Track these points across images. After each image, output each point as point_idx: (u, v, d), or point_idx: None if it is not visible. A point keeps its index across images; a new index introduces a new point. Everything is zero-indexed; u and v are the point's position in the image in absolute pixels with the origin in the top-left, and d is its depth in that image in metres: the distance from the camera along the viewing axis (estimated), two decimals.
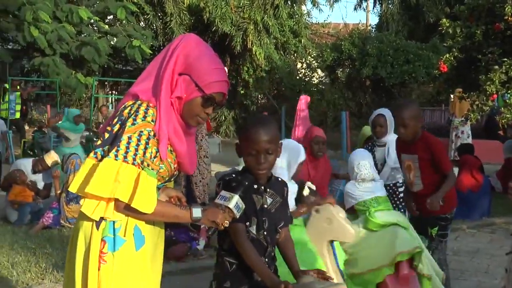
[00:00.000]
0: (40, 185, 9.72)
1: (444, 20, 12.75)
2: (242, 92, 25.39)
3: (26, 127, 19.57)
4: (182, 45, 3.02)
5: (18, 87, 17.14)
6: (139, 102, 2.94)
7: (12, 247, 7.62)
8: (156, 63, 3.06)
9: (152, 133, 2.88)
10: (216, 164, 10.19)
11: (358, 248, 5.44)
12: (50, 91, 22.82)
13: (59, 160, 9.81)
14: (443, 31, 12.70)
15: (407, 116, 5.23)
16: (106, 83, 23.78)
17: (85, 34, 18.36)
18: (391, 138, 6.34)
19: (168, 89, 2.96)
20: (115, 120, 2.93)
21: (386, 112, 6.63)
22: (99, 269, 2.86)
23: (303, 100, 15.61)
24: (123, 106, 2.97)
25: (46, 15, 16.40)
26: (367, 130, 7.82)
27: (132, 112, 2.90)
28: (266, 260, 3.22)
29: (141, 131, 2.85)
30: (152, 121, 2.90)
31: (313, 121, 25.16)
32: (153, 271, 3.07)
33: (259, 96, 25.70)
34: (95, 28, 19.90)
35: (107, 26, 19.42)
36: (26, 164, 9.72)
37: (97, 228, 2.88)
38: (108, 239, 2.87)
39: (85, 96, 23.79)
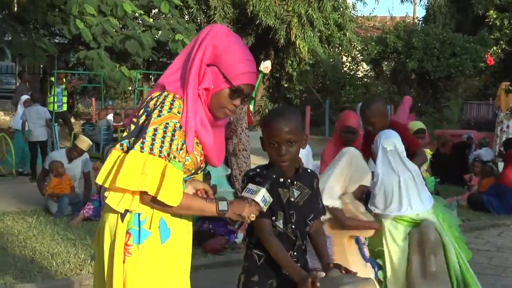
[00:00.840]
0: (78, 173, 9.83)
1: (492, 11, 12.50)
2: (285, 85, 25.31)
3: (73, 120, 19.85)
4: (210, 36, 2.97)
5: (64, 80, 17.35)
6: (165, 93, 2.90)
7: (53, 238, 7.71)
8: (184, 54, 3.02)
9: (178, 125, 2.84)
10: (258, 157, 10.15)
11: None
12: (95, 85, 23.09)
13: (91, 142, 10.06)
14: (490, 23, 12.43)
15: (372, 114, 5.28)
16: (150, 76, 23.94)
17: (130, 28, 18.46)
18: None
19: (196, 81, 2.91)
20: (141, 111, 2.90)
21: None
22: (124, 262, 2.84)
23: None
24: (149, 97, 2.94)
25: (92, 8, 16.55)
26: (413, 125, 7.74)
27: (158, 103, 2.86)
28: (295, 253, 3.17)
29: (167, 123, 2.82)
30: (178, 112, 2.86)
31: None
32: (181, 264, 3.03)
33: (303, 89, 25.56)
34: (139, 22, 20.02)
35: (151, 20, 19.51)
36: (60, 156, 9.84)
37: (122, 221, 2.86)
38: (133, 231, 2.85)
39: (130, 89, 24.01)
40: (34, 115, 12.65)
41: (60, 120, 17.41)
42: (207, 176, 8.18)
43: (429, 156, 7.26)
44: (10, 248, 7.24)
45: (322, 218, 3.50)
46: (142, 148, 2.78)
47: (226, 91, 2.95)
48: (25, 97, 14.84)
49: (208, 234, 7.55)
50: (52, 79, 16.72)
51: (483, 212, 10.17)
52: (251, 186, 3.00)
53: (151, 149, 2.78)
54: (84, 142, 9.92)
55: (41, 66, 27.59)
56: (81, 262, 6.72)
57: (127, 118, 12.96)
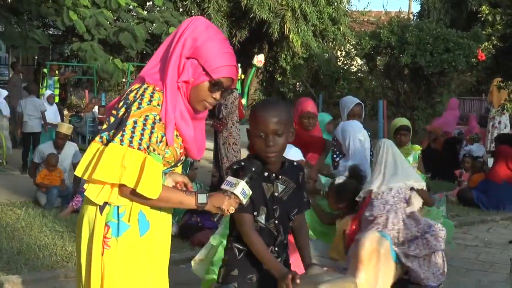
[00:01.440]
0: (68, 164, 9.83)
1: (484, 7, 12.51)
2: (279, 79, 25.28)
3: (66, 112, 19.80)
4: (191, 29, 2.95)
5: (57, 72, 17.32)
6: (145, 85, 2.90)
7: (41, 230, 7.70)
8: (164, 46, 3.01)
9: (157, 118, 2.84)
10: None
11: None
12: (89, 77, 23.05)
13: (70, 126, 10.51)
14: (482, 19, 12.44)
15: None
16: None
17: (124, 20, 18.45)
18: None
19: (175, 73, 2.91)
20: (121, 104, 2.89)
21: (358, 100, 6.85)
22: (102, 254, 2.84)
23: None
24: (129, 89, 2.93)
25: (85, 0, 16.54)
26: (397, 121, 7.68)
27: (137, 96, 2.85)
28: (276, 249, 3.15)
29: (147, 115, 2.82)
30: (158, 105, 2.85)
31: None
32: (160, 256, 3.03)
33: (297, 83, 25.55)
34: (133, 14, 20.00)
35: (145, 13, 19.50)
36: (48, 147, 9.85)
37: (101, 213, 2.86)
38: (112, 224, 2.85)
39: (124, 81, 23.96)
40: (30, 107, 12.66)
41: None
42: (192, 166, 8.19)
43: (418, 152, 7.14)
44: None
45: None
46: (121, 140, 2.77)
47: (206, 84, 2.94)
48: (48, 92, 15.02)
49: (196, 227, 7.55)
50: (45, 70, 16.65)
51: (473, 208, 10.19)
52: (230, 178, 2.98)
53: (131, 142, 2.77)
54: (63, 126, 10.14)
55: (35, 57, 27.54)
56: (68, 254, 6.72)
57: None
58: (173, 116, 2.88)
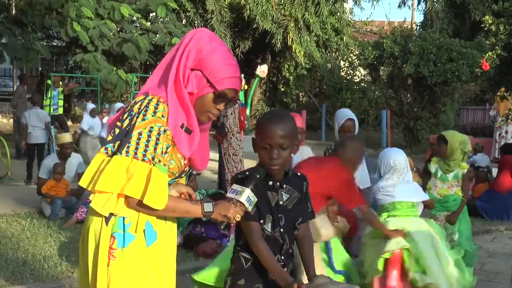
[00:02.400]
0: (72, 175, 9.84)
1: (487, 17, 12.54)
2: (282, 89, 25.35)
3: (69, 123, 19.85)
4: (195, 40, 2.98)
5: (61, 83, 17.35)
6: (149, 97, 2.91)
7: (46, 241, 7.72)
8: (167, 58, 3.03)
9: (162, 129, 2.86)
10: (252, 161, 10.15)
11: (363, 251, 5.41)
12: (93, 88, 23.13)
13: (69, 134, 10.52)
14: (485, 28, 12.47)
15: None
16: (147, 79, 23.95)
17: (127, 31, 18.49)
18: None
19: (180, 85, 2.93)
20: (125, 115, 2.91)
21: (352, 115, 6.46)
22: (108, 265, 2.86)
23: None
24: (133, 101, 2.95)
25: (89, 11, 16.59)
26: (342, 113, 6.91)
27: (142, 107, 2.87)
28: (283, 257, 3.17)
29: (152, 127, 2.83)
30: (163, 116, 2.87)
31: None
32: (166, 266, 3.04)
33: (300, 94, 25.61)
34: (137, 25, 20.05)
35: (148, 24, 19.56)
36: (53, 160, 9.82)
37: (107, 224, 2.87)
38: (117, 235, 2.86)
39: (127, 92, 24.02)
40: (34, 118, 12.76)
41: (56, 123, 17.40)
42: (190, 177, 8.20)
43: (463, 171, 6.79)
44: (2, 250, 7.24)
45: None
46: (127, 152, 2.80)
47: (210, 95, 2.97)
48: (91, 106, 15.41)
49: (200, 237, 7.57)
50: (49, 82, 16.69)
51: (476, 218, 10.16)
52: (235, 186, 3.00)
53: (135, 153, 2.79)
54: (63, 136, 10.12)
55: (39, 68, 27.64)
56: (73, 264, 6.72)
57: None
58: (179, 128, 2.91)
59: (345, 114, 6.55)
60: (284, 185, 3.18)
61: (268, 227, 3.13)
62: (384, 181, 5.45)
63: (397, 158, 5.43)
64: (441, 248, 5.19)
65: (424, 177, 7.01)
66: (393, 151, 5.63)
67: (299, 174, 3.33)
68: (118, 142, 2.86)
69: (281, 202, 3.15)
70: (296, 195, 3.22)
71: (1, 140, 13.23)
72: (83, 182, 2.89)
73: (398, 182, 5.40)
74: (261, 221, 3.10)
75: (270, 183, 3.14)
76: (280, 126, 3.07)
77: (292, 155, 3.29)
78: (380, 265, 5.13)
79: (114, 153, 2.84)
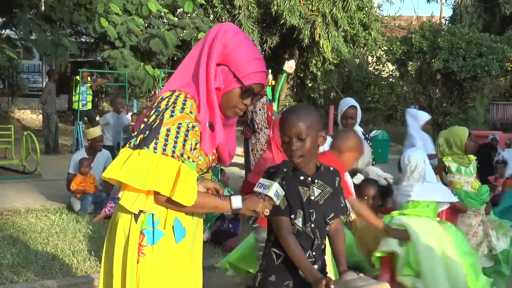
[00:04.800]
0: (100, 170, 9.85)
1: None
2: (310, 85, 25.26)
3: (98, 118, 19.97)
4: (220, 35, 2.96)
5: (89, 79, 17.46)
6: (176, 93, 2.89)
7: (75, 236, 7.78)
8: (194, 54, 3.01)
9: (191, 125, 2.84)
10: None
11: None
12: (120, 83, 23.26)
13: (98, 129, 10.48)
14: None
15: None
16: None
17: (154, 27, 18.55)
18: (357, 130, 6.09)
19: (205, 80, 2.91)
20: (152, 111, 2.89)
21: (355, 102, 6.47)
22: (138, 262, 2.85)
23: None
24: (160, 97, 2.93)
25: (117, 7, 16.66)
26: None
27: (169, 103, 2.85)
28: (314, 253, 3.15)
29: (180, 123, 2.82)
30: (191, 112, 2.85)
31: (382, 115, 24.89)
32: (193, 262, 3.04)
33: (327, 89, 25.51)
34: (164, 21, 20.10)
35: (176, 19, 19.60)
36: (82, 155, 9.89)
37: (136, 221, 2.86)
38: (147, 232, 2.86)
39: (155, 87, 24.12)
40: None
41: (85, 118, 17.53)
42: (222, 172, 8.28)
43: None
44: (32, 245, 7.31)
45: None
46: (155, 148, 2.78)
47: (237, 90, 2.95)
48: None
49: (228, 233, 7.58)
50: (77, 77, 16.80)
51: None
52: (263, 181, 2.99)
53: (164, 150, 2.78)
54: (94, 131, 10.20)
55: (69, 64, 27.85)
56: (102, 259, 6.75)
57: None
58: (207, 124, 2.89)
59: (348, 101, 6.57)
60: (316, 180, 3.16)
61: (299, 222, 3.11)
62: (404, 181, 5.42)
63: (415, 158, 5.40)
64: (450, 251, 5.11)
65: (440, 173, 6.91)
66: (411, 151, 5.60)
67: (331, 168, 3.30)
68: (141, 136, 2.84)
69: (312, 197, 3.13)
70: (328, 190, 3.20)
71: (30, 136, 13.34)
72: (108, 173, 2.82)
73: (417, 181, 5.35)
74: (292, 216, 3.09)
75: (302, 178, 3.12)
76: (293, 116, 3.09)
77: (320, 147, 3.23)
78: (376, 263, 5.16)
79: (137, 146, 2.81)
